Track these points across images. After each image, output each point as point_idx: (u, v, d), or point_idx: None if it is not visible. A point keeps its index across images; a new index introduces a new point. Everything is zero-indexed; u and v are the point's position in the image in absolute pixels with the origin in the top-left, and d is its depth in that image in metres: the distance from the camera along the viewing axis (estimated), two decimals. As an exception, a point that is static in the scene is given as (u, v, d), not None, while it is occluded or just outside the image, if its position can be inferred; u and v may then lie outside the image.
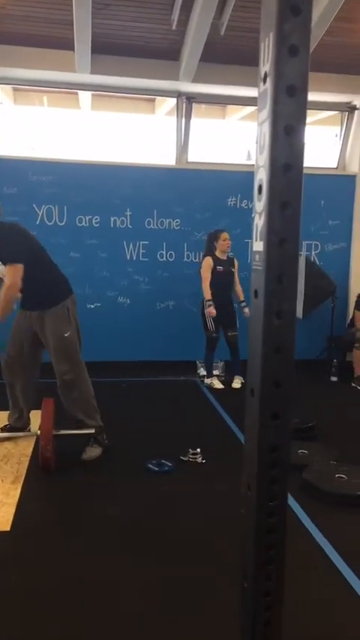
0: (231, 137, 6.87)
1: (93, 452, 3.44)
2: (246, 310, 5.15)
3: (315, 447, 3.61)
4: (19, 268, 3.18)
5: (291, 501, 2.95)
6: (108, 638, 1.92)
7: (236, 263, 5.31)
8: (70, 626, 1.96)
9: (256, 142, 0.77)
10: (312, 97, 5.78)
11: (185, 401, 4.87)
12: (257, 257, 0.78)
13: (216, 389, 5.19)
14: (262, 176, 0.75)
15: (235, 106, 6.33)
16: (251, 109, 6.14)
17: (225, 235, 5.20)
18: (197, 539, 2.57)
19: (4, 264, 3.21)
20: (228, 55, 5.29)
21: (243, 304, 5.24)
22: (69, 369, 3.34)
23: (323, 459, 3.38)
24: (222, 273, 5.16)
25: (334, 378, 5.68)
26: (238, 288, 5.29)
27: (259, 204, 0.76)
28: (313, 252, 6.09)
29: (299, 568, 2.26)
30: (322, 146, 6.49)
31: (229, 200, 5.81)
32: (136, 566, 2.35)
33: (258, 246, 0.77)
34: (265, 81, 0.72)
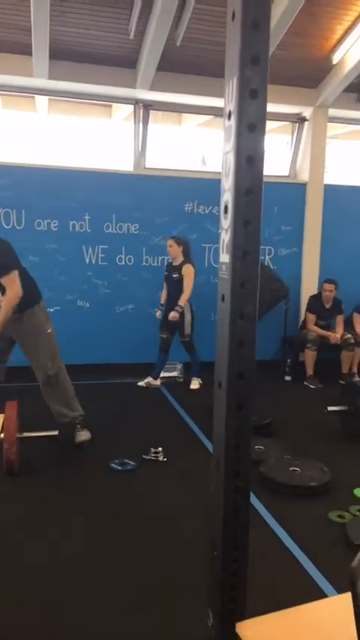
0: (187, 144, 7.04)
1: (82, 436, 3.63)
2: (171, 313, 5.13)
3: (271, 443, 3.80)
4: (16, 275, 3.34)
5: (249, 494, 3.11)
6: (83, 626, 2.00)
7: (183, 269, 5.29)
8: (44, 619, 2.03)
9: (222, 168, 0.89)
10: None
11: (146, 403, 4.97)
12: (224, 267, 0.90)
13: (153, 386, 5.36)
14: (227, 198, 0.88)
15: (191, 114, 6.50)
16: (207, 117, 6.33)
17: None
18: (161, 531, 2.68)
19: (1, 277, 3.33)
20: (184, 64, 5.44)
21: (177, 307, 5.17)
22: (52, 364, 3.53)
23: (278, 453, 3.56)
24: (180, 281, 5.25)
25: (288, 378, 5.92)
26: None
27: (225, 222, 0.89)
28: (267, 257, 6.32)
29: (256, 552, 2.40)
30: (276, 154, 6.73)
31: (187, 206, 5.96)
32: (103, 559, 2.44)
33: (224, 257, 0.90)
34: (229, 118, 0.85)
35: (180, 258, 5.26)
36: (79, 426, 3.67)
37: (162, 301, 5.42)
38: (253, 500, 3.01)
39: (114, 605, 2.12)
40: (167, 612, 2.08)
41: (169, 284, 5.34)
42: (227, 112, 0.86)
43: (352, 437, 4.01)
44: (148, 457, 3.52)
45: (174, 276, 5.28)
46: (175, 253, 5.27)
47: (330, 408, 4.15)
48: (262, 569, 2.15)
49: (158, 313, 5.39)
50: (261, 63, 0.83)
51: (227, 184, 0.87)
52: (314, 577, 2.32)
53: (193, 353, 5.42)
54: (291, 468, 3.29)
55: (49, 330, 3.58)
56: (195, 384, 5.43)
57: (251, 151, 0.85)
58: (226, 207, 0.88)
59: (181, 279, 5.20)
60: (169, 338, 5.33)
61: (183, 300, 5.14)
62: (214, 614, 0.95)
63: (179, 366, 5.76)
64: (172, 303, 5.24)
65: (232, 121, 0.84)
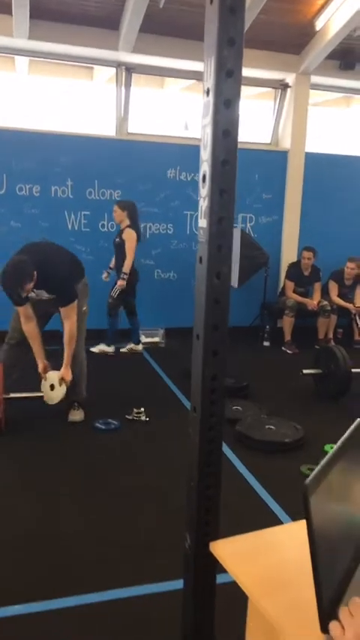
0: (170, 108, 6.97)
1: (77, 415, 3.68)
2: (118, 282, 5.12)
3: (248, 404, 3.98)
4: (75, 305, 3.36)
5: (226, 450, 3.29)
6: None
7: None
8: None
9: (201, 141, 0.98)
10: (247, 73, 6.00)
11: (129, 367, 5.10)
12: (202, 232, 1.01)
13: (106, 353, 5.35)
14: (205, 168, 0.97)
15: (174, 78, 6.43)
16: (190, 81, 6.28)
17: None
18: (144, 485, 2.85)
19: (64, 306, 3.34)
20: (167, 27, 5.37)
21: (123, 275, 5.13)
22: (79, 339, 3.53)
23: (255, 413, 3.74)
24: (122, 245, 5.17)
25: (266, 343, 6.09)
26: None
27: (204, 190, 0.99)
28: (248, 225, 6.41)
29: (231, 501, 2.59)
30: (259, 120, 6.72)
31: (169, 172, 5.97)
32: (87, 511, 2.60)
33: (202, 223, 1.00)
34: (208, 94, 0.93)
35: (125, 223, 5.16)
36: (76, 405, 3.69)
37: (111, 265, 5.38)
38: (231, 456, 3.19)
39: (97, 559, 2.29)
40: (143, 567, 2.25)
41: (115, 248, 5.28)
42: (206, 89, 0.94)
43: (324, 398, 4.22)
44: (131, 417, 3.67)
45: (116, 240, 5.23)
46: (120, 218, 5.18)
47: (305, 371, 4.34)
48: (236, 513, 2.33)
49: (105, 275, 5.33)
50: (236, 45, 0.91)
51: (205, 155, 0.96)
52: (282, 519, 2.53)
53: (131, 317, 5.37)
54: (266, 427, 3.48)
55: (84, 308, 3.61)
56: (129, 348, 5.48)
57: (227, 125, 0.94)
58: (204, 177, 0.97)
59: (122, 243, 5.11)
60: (114, 303, 5.25)
61: (127, 266, 5.04)
62: (191, 536, 1.09)
63: (161, 331, 5.88)
64: (118, 268, 5.19)
65: (210, 98, 0.93)
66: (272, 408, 3.95)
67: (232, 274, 6.32)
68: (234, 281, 6.13)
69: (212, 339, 1.02)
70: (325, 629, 0.81)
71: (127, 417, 3.67)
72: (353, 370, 4.21)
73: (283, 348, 5.89)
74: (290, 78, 6.18)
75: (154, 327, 5.86)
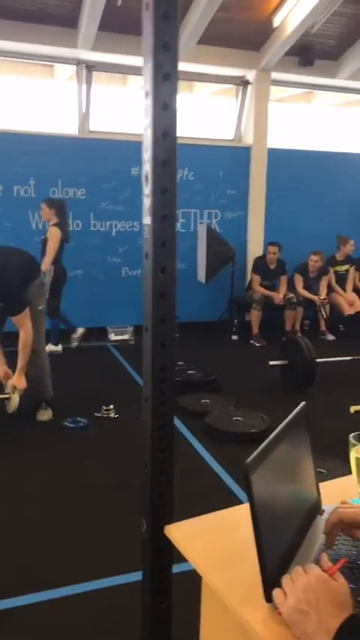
0: (133, 105, 6.98)
1: (45, 415, 3.67)
2: None
3: (216, 397, 4.05)
4: (28, 313, 3.27)
5: (194, 442, 3.36)
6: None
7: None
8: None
9: (143, 142, 1.02)
10: (207, 69, 6.09)
11: (98, 365, 5.12)
12: (146, 229, 1.05)
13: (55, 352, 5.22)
14: (147, 168, 1.01)
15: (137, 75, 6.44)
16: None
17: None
18: (112, 481, 2.88)
19: (12, 316, 3.28)
20: (127, 24, 5.37)
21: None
22: (37, 339, 3.48)
23: (223, 405, 3.82)
24: (46, 243, 5.07)
25: (235, 337, 6.18)
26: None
27: (147, 189, 1.03)
28: (213, 220, 6.48)
29: (201, 489, 2.65)
30: (222, 117, 6.79)
31: (133, 170, 5.98)
32: (55, 509, 2.63)
33: (147, 220, 1.04)
34: (147, 97, 0.98)
35: (53, 221, 5.09)
36: (44, 404, 3.69)
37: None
38: (199, 448, 3.26)
39: (63, 555, 2.32)
40: (109, 561, 2.29)
41: (42, 246, 5.14)
42: (145, 92, 0.98)
43: (290, 388, 4.32)
44: (100, 414, 3.70)
45: (42, 237, 5.16)
46: (47, 216, 5.12)
47: (271, 363, 4.44)
48: (204, 502, 2.39)
49: None
50: (171, 49, 0.95)
51: (147, 156, 1.00)
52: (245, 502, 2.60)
53: (53, 317, 5.17)
54: (234, 418, 3.55)
55: (40, 307, 3.58)
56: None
57: (166, 127, 0.98)
58: (146, 177, 1.02)
59: (47, 241, 5.05)
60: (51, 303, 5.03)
61: (45, 265, 4.84)
62: (147, 521, 1.13)
63: (130, 328, 5.91)
64: None
65: (149, 101, 0.97)
66: (240, 399, 4.03)
67: (199, 270, 6.39)
68: (201, 276, 6.21)
69: (160, 332, 1.06)
70: (269, 598, 0.86)
71: (96, 414, 3.70)
72: (318, 360, 4.33)
73: (251, 341, 5.99)
74: (251, 74, 6.27)
75: (123, 325, 5.89)
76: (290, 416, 1.14)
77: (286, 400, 4.18)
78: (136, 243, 6.12)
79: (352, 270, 6.56)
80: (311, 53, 6.10)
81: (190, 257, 6.30)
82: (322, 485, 1.32)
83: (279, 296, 6.01)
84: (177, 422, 3.73)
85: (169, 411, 1.09)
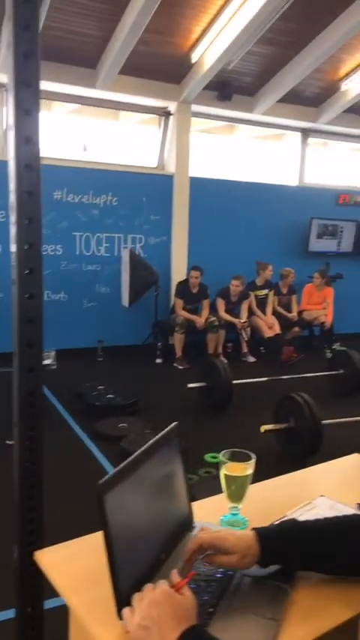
0: (58, 131, 7.00)
1: None
2: None
3: (135, 420, 4.06)
4: None
5: (109, 467, 3.34)
6: None
7: None
8: None
9: (9, 173, 1.06)
10: (131, 99, 6.24)
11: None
12: (13, 256, 1.08)
13: None
14: (12, 199, 1.05)
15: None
16: (76, 105, 6.38)
17: None
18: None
19: None
20: (45, 52, 5.43)
21: None
22: None
23: (140, 429, 3.83)
24: None
25: (159, 360, 6.24)
26: None
27: (13, 218, 1.06)
28: (137, 245, 6.57)
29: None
30: (146, 145, 6.95)
31: (55, 194, 5.98)
32: None
33: (13, 248, 1.07)
34: (10, 130, 1.01)
35: None
36: None
37: None
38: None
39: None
40: None
41: None
42: (8, 126, 1.02)
43: (208, 409, 4.41)
44: (12, 442, 3.59)
45: None
46: None
47: (190, 385, 4.52)
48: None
49: None
50: (32, 86, 1.00)
51: (12, 187, 1.04)
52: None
53: None
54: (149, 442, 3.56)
55: None
56: None
57: (29, 160, 1.02)
58: (12, 207, 1.05)
59: None
60: None
61: None
62: (18, 547, 1.13)
63: (52, 353, 5.81)
64: None
65: (11, 135, 1.01)
66: (158, 422, 4.04)
67: (122, 294, 6.42)
68: (125, 301, 6.25)
69: (28, 356, 1.08)
70: (121, 616, 0.89)
71: (7, 442, 3.58)
72: (234, 382, 4.45)
73: (174, 364, 6.06)
74: (172, 106, 6.49)
75: (44, 350, 5.78)
76: (159, 435, 1.19)
77: (203, 421, 4.26)
78: (59, 267, 6.09)
79: (271, 294, 6.83)
80: (229, 88, 6.41)
81: (114, 281, 6.34)
82: (201, 502, 1.38)
83: (200, 320, 6.15)
84: (92, 446, 3.71)
85: (39, 436, 1.10)
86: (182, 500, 1.24)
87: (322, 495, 1.39)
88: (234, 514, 1.24)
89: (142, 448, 1.10)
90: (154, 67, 5.93)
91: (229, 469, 1.24)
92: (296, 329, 6.95)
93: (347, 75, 6.49)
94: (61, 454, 3.39)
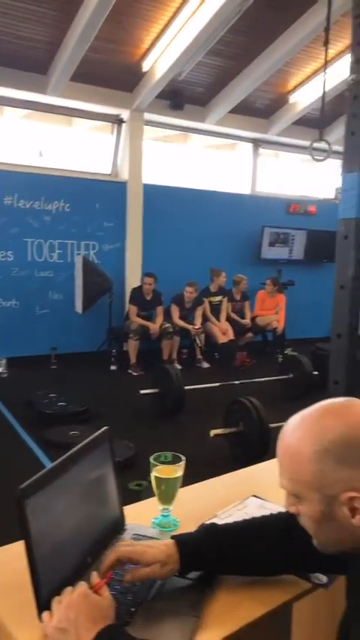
0: (12, 136, 6.90)
1: None
2: None
3: (85, 428, 4.03)
4: None
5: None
6: None
7: None
8: None
9: None
10: (83, 106, 6.24)
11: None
12: None
13: None
14: None
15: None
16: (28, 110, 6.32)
17: None
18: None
19: None
20: (-2, 57, 5.38)
21: None
22: None
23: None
24: None
25: (113, 367, 6.21)
26: None
27: None
28: (91, 252, 6.54)
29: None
30: (100, 152, 6.93)
31: (6, 199, 5.89)
32: None
33: None
34: None
35: None
36: None
37: None
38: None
39: None
40: None
41: None
42: None
43: (160, 415, 4.43)
44: None
45: None
46: None
47: (142, 392, 4.52)
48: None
49: None
50: None
51: None
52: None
53: None
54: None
55: None
56: None
57: None
58: None
59: None
60: None
61: None
62: None
63: (3, 361, 5.70)
64: None
65: None
66: (110, 428, 4.03)
67: (76, 300, 6.37)
68: (78, 307, 6.20)
69: None
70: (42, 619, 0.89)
71: None
72: (186, 387, 4.49)
73: (129, 370, 6.05)
74: (125, 114, 6.52)
75: (-4, 358, 5.67)
76: (88, 439, 1.20)
77: (155, 427, 4.28)
78: (10, 273, 5.99)
79: (224, 300, 6.93)
80: (181, 98, 6.50)
81: (67, 288, 6.28)
82: (133, 505, 1.39)
83: (155, 326, 6.17)
84: (41, 455, 3.66)
85: None
86: (113, 503, 1.25)
87: (253, 495, 1.43)
88: (165, 516, 1.26)
89: (69, 452, 1.11)
90: (106, 75, 5.95)
91: (160, 471, 1.26)
92: (249, 335, 7.07)
93: (295, 88, 6.70)
94: (7, 463, 3.33)
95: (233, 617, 0.97)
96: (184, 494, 1.44)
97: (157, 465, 1.27)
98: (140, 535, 1.21)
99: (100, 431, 1.27)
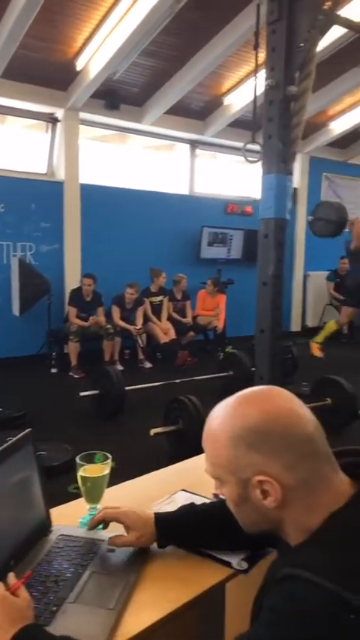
0: None
1: None
2: None
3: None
4: None
5: (-6, 483, 3.22)
6: None
7: None
8: None
9: None
10: (16, 104, 6.09)
11: None
12: None
13: None
14: None
15: None
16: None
17: None
18: None
19: None
20: None
21: None
22: None
23: (29, 441, 3.72)
24: None
25: (54, 370, 6.10)
26: None
27: None
28: (28, 253, 6.40)
29: None
30: (34, 150, 6.78)
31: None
32: None
33: None
34: None
35: None
36: None
37: None
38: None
39: None
40: None
41: None
42: None
43: (102, 416, 4.40)
44: None
45: None
46: None
47: (82, 394, 4.47)
48: None
49: None
50: None
51: None
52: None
53: None
54: (37, 453, 3.48)
55: None
56: None
57: None
58: None
59: None
60: None
61: None
62: None
63: None
64: None
65: None
66: (48, 433, 3.97)
67: (13, 303, 6.21)
68: (15, 310, 6.06)
69: None
70: None
71: None
72: (127, 388, 4.48)
73: (70, 373, 5.97)
74: (60, 112, 6.41)
75: None
76: (9, 442, 1.18)
77: (96, 429, 4.25)
78: None
79: (165, 300, 6.96)
80: (117, 98, 6.47)
81: (3, 290, 6.12)
82: (61, 506, 1.39)
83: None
84: (-24, 463, 3.55)
85: None
86: (38, 505, 1.24)
87: (182, 489, 1.46)
88: (92, 514, 1.26)
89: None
90: (39, 73, 5.83)
91: (86, 471, 1.27)
92: (191, 333, 7.14)
93: (229, 90, 6.82)
94: None
95: (164, 602, 1.00)
96: (115, 492, 1.45)
97: (83, 465, 1.28)
98: (67, 535, 1.21)
99: (21, 434, 1.25)
